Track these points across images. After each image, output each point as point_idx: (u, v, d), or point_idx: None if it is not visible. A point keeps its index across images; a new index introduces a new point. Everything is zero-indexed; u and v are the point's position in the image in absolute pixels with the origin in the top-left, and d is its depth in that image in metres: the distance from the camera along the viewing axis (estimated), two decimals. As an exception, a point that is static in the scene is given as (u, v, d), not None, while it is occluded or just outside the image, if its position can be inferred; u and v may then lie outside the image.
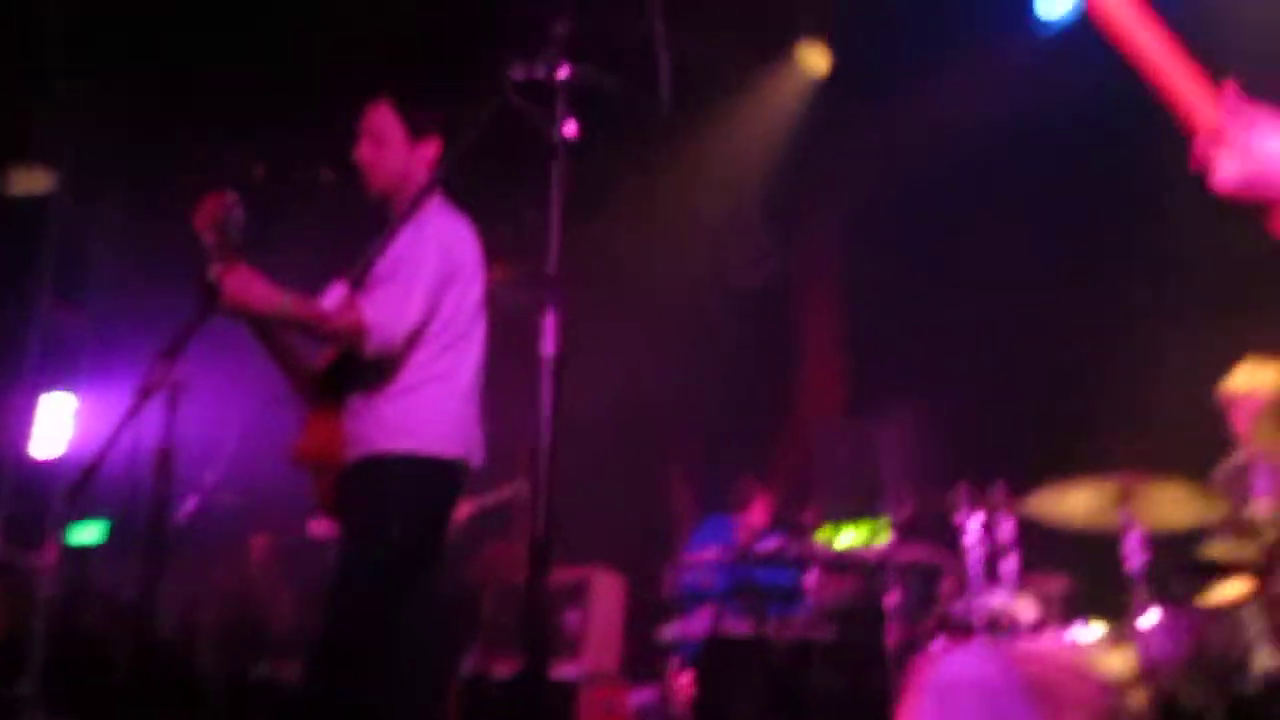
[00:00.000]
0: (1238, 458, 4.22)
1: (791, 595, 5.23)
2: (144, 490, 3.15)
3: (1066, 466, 3.80)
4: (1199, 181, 1.81)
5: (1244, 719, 3.37)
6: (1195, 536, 3.89)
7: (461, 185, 3.35)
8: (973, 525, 4.19)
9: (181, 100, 6.68)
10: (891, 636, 4.35)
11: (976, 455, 5.40)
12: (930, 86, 6.72)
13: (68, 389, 7.71)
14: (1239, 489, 4.09)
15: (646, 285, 7.68)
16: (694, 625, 5.02)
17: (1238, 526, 3.82)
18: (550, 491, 2.24)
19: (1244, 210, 1.71)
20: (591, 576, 5.93)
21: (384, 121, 3.27)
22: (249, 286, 2.95)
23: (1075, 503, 3.77)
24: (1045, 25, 6.42)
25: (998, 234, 6.29)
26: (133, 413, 3.03)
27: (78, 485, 3.17)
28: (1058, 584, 4.26)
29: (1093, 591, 4.20)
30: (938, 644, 4.08)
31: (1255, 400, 4.07)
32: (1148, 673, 3.46)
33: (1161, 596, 3.62)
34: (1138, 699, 3.47)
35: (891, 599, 4.42)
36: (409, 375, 3.09)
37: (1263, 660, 3.40)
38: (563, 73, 2.52)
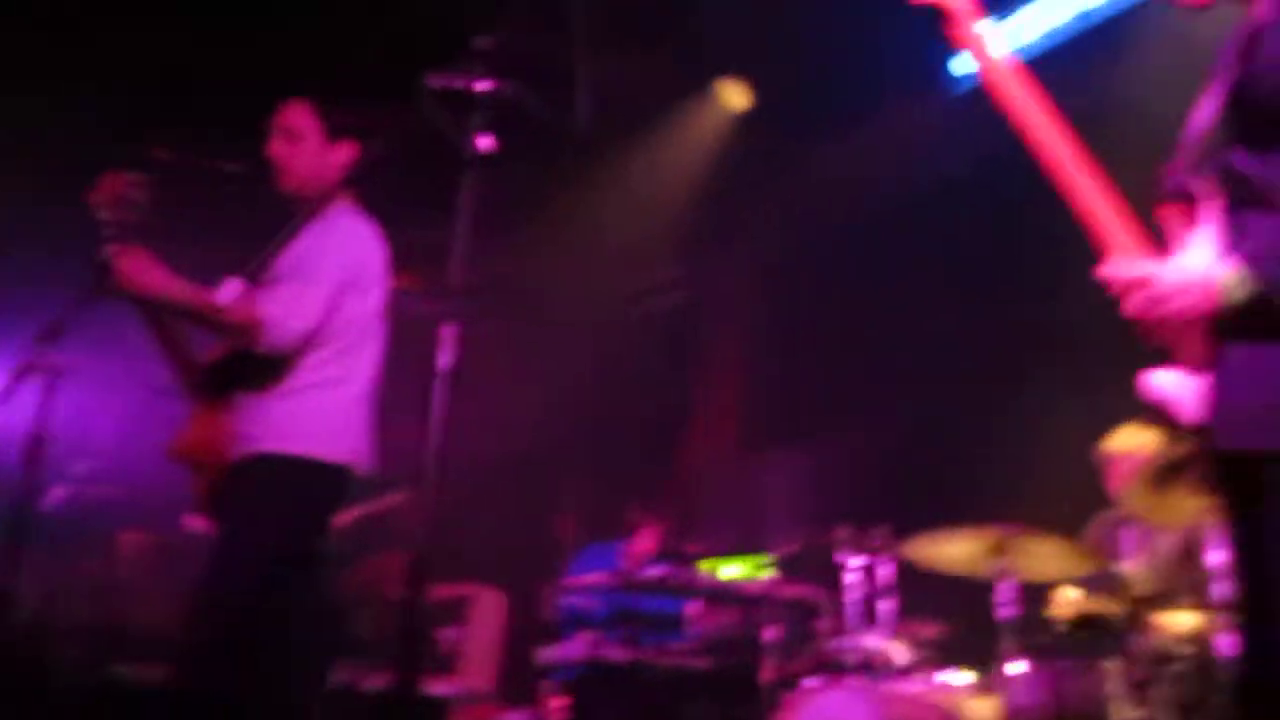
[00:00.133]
0: (1112, 515, 4.37)
1: (672, 624, 5.24)
2: (11, 476, 3.04)
3: (949, 516, 3.92)
4: (1090, 251, 1.89)
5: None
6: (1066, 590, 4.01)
7: (374, 190, 3.32)
8: (854, 566, 4.28)
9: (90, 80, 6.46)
10: (767, 671, 4.39)
11: (863, 499, 5.50)
12: (847, 136, 6.87)
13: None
14: (1110, 545, 4.24)
15: (552, 305, 7.67)
16: (572, 649, 5.00)
17: (1107, 582, 3.96)
18: (436, 505, 2.22)
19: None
20: (474, 594, 5.86)
21: (300, 119, 3.22)
22: (145, 270, 2.87)
23: (954, 550, 3.92)
24: (959, 82, 6.59)
25: (901, 287, 6.43)
26: (5, 395, 2.92)
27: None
28: (932, 629, 4.35)
29: (965, 639, 4.30)
30: (811, 681, 4.13)
31: (1132, 461, 4.19)
32: (1011, 721, 3.56)
33: (1028, 647, 3.72)
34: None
35: (770, 634, 4.46)
36: (301, 376, 3.04)
37: (1122, 713, 3.50)
38: (482, 85, 2.51)
